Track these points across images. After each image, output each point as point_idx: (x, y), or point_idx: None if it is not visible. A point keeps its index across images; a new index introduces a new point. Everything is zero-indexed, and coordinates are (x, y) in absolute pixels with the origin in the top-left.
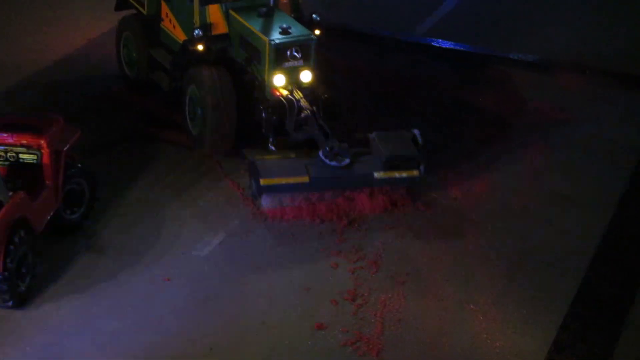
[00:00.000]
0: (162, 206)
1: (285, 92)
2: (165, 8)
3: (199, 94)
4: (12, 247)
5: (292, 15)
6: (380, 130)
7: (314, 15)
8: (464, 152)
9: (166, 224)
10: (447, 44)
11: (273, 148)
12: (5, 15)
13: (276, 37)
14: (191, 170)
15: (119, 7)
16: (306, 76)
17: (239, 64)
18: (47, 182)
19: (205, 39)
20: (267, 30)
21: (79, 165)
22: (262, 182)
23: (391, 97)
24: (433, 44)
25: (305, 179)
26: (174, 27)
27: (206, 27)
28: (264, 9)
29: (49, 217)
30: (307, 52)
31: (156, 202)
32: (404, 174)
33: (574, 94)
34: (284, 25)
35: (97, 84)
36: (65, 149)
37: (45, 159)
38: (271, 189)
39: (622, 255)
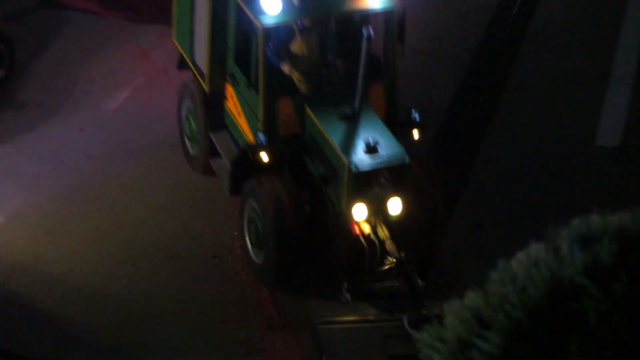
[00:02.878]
0: (74, 66)
1: (367, 229)
2: (230, 88)
3: (261, 216)
4: None
5: (386, 111)
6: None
7: (413, 112)
8: None
9: (79, 81)
10: None
11: (348, 298)
12: None
13: (359, 158)
14: (100, 34)
15: (181, 66)
16: (396, 207)
17: (314, 177)
18: None
19: (272, 145)
20: (348, 144)
21: None
22: None
23: None
24: None
25: (382, 359)
26: (238, 113)
27: (274, 127)
28: (348, 110)
29: None
30: (398, 177)
31: (69, 62)
32: None
33: None
34: (371, 140)
35: None
36: None
37: None
38: None
39: (475, 102)
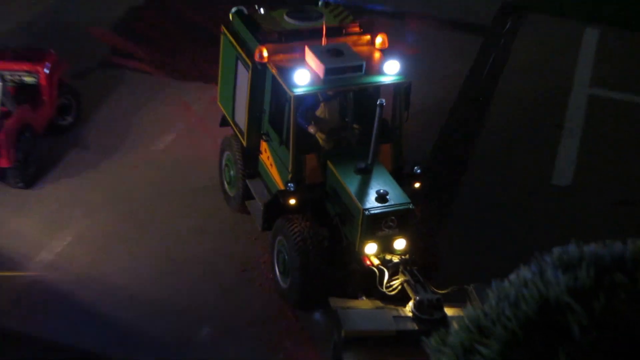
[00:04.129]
0: (129, 114)
1: (376, 261)
2: (264, 144)
3: (288, 249)
4: (20, 144)
5: (393, 166)
6: (480, 283)
7: (415, 168)
8: None
9: (132, 127)
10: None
11: (363, 298)
12: None
13: (371, 205)
14: (150, 89)
15: (223, 124)
16: (400, 244)
17: (333, 218)
18: (44, 97)
19: (299, 192)
20: (362, 193)
21: (68, 85)
22: (344, 333)
23: None
24: None
25: (392, 332)
26: (271, 165)
27: (300, 177)
28: (363, 164)
29: (46, 123)
30: (403, 221)
31: (125, 111)
32: None
33: (420, 36)
34: (381, 190)
35: (80, 29)
36: (56, 73)
37: (42, 81)
38: (354, 342)
39: (451, 148)
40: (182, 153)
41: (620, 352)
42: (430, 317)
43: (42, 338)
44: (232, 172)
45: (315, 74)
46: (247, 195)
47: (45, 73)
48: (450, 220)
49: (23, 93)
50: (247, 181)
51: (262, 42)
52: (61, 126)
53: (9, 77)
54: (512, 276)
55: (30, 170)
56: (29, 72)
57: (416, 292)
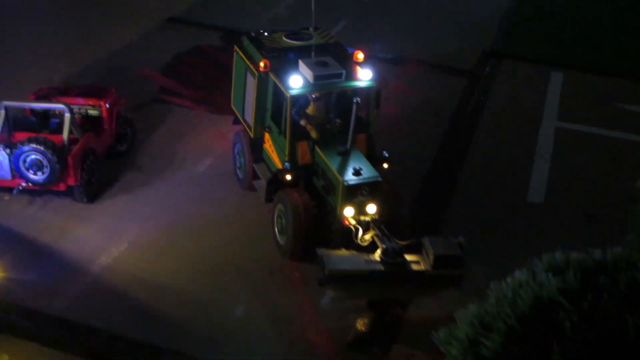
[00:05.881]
0: (174, 141)
1: (353, 222)
2: (267, 135)
3: (285, 214)
4: (85, 166)
5: (366, 150)
6: (431, 236)
7: (384, 152)
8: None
9: (178, 153)
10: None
11: (343, 249)
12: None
13: (349, 178)
14: (192, 121)
15: (236, 122)
16: (371, 208)
17: (320, 190)
18: (105, 127)
19: (293, 169)
20: (342, 169)
21: (124, 117)
22: (327, 271)
23: None
24: None
25: (364, 271)
26: (272, 151)
27: (295, 159)
28: (342, 148)
29: (107, 148)
30: (374, 190)
31: (171, 139)
32: (452, 272)
33: (415, 77)
34: (357, 167)
35: (134, 71)
36: (116, 107)
37: (104, 113)
38: (336, 278)
39: (442, 171)
40: (219, 174)
41: (606, 345)
42: (393, 261)
43: (104, 329)
44: (242, 159)
45: (306, 80)
46: (254, 176)
47: (106, 107)
48: (441, 233)
49: (88, 123)
50: (254, 165)
51: (266, 56)
52: (119, 151)
53: (77, 110)
54: (508, 278)
55: (93, 187)
56: (93, 106)
57: (383, 242)
